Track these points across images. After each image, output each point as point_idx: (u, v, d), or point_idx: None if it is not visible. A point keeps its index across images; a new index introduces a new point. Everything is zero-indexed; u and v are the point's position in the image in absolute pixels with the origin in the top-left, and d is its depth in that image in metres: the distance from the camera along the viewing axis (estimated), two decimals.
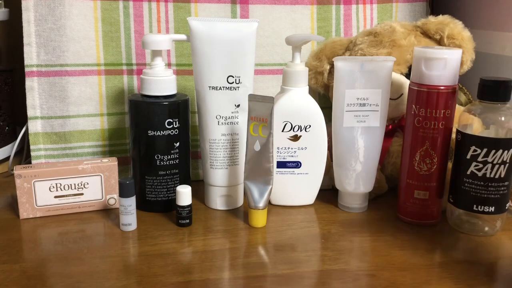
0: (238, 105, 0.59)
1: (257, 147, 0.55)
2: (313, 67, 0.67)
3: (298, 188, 0.62)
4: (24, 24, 0.64)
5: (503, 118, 0.52)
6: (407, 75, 0.63)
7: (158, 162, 0.58)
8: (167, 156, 0.58)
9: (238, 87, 0.58)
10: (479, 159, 0.52)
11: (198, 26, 0.57)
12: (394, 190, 0.64)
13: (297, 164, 0.61)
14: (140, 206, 0.58)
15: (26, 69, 0.65)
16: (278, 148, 0.60)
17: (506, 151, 0.52)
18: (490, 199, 0.53)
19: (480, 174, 0.53)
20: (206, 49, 0.57)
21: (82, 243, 0.52)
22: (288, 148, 0.60)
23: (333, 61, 0.59)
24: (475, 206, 0.54)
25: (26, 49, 0.65)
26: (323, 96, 0.72)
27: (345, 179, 0.60)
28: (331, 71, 0.66)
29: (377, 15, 0.75)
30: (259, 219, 0.56)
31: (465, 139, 0.53)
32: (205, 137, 0.60)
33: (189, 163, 0.62)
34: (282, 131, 0.59)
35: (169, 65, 0.69)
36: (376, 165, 0.60)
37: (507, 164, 0.52)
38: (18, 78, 0.70)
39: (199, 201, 0.63)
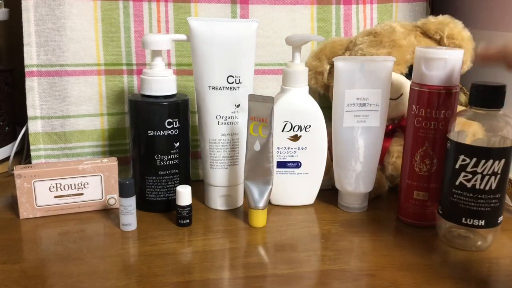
0: (238, 105, 0.59)
1: (257, 147, 0.55)
2: (313, 67, 0.67)
3: (298, 188, 0.62)
4: (24, 24, 0.64)
5: (495, 126, 0.49)
6: (407, 75, 0.63)
7: (158, 162, 0.58)
8: (167, 156, 0.58)
9: (238, 87, 0.58)
10: (468, 169, 0.49)
11: (198, 26, 0.57)
12: (394, 190, 0.64)
13: (297, 164, 0.61)
14: (140, 206, 0.58)
15: (26, 69, 0.65)
16: (278, 148, 0.60)
17: (496, 162, 0.48)
18: (480, 212, 0.50)
19: (469, 185, 0.49)
20: (206, 49, 0.57)
21: (82, 243, 0.52)
22: (288, 148, 0.60)
23: (333, 61, 0.59)
24: (464, 219, 0.50)
25: (26, 49, 0.65)
26: (323, 96, 0.72)
27: (345, 179, 0.60)
28: (331, 71, 0.66)
29: (377, 15, 0.75)
30: (259, 219, 0.56)
31: (455, 148, 0.50)
32: (205, 137, 0.60)
33: (189, 163, 0.62)
34: (282, 131, 0.59)
35: (169, 65, 0.69)
36: (376, 165, 0.60)
37: (498, 176, 0.49)
38: (18, 78, 0.70)
39: (199, 201, 0.63)
